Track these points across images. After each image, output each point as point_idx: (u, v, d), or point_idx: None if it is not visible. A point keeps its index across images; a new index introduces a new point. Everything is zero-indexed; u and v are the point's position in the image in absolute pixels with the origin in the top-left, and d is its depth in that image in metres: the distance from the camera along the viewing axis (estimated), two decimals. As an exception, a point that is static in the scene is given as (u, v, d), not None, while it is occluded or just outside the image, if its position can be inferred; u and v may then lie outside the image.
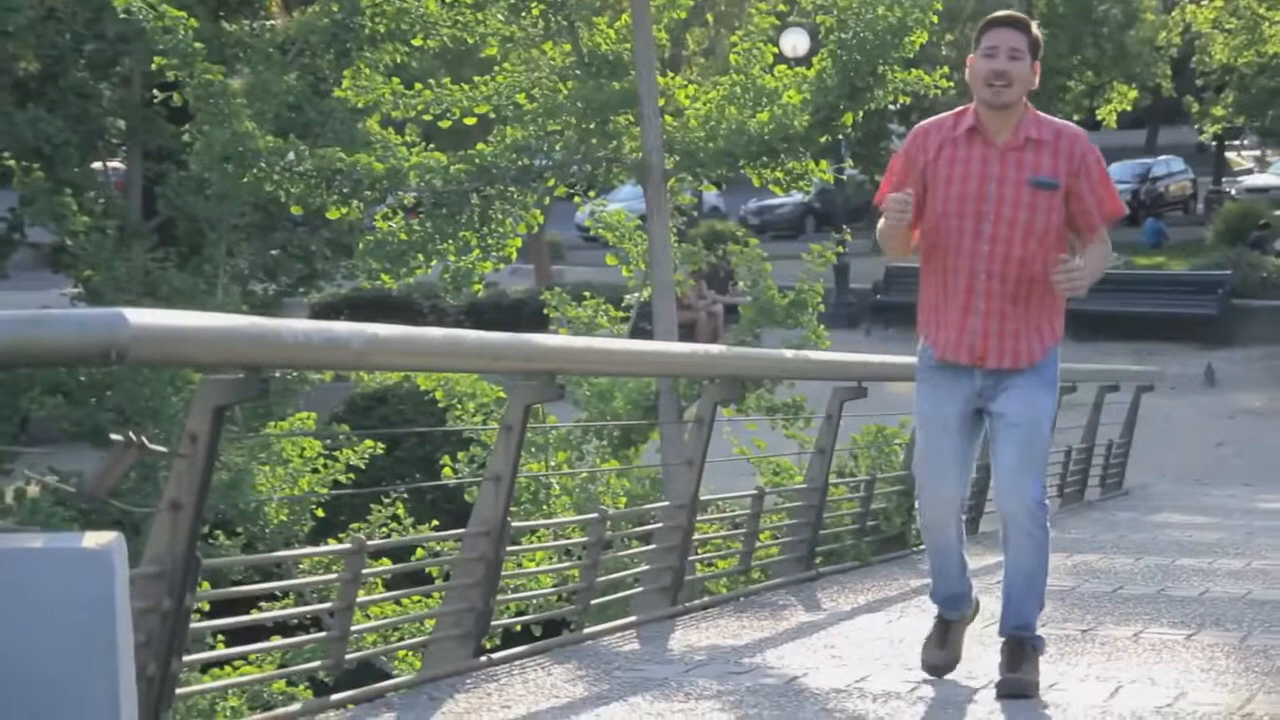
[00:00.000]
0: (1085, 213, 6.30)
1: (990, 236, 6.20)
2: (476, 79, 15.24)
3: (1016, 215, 6.20)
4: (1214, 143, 54.45)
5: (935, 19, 14.56)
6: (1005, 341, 6.27)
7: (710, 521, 10.36)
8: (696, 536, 8.87)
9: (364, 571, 6.17)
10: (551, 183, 14.79)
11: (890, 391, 11.59)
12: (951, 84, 14.50)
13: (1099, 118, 47.20)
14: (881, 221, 6.29)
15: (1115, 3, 43.51)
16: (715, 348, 9.87)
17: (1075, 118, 46.83)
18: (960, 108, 6.39)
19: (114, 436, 4.70)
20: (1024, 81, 6.23)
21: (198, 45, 15.15)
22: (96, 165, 24.10)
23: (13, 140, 21.24)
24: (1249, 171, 60.87)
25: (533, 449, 15.10)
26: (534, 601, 8.61)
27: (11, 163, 20.75)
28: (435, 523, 15.39)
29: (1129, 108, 47.07)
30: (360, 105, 15.68)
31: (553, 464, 15.16)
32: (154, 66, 16.61)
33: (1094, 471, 17.84)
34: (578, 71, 14.94)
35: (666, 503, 9.05)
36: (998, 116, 6.25)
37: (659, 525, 8.69)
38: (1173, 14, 46.43)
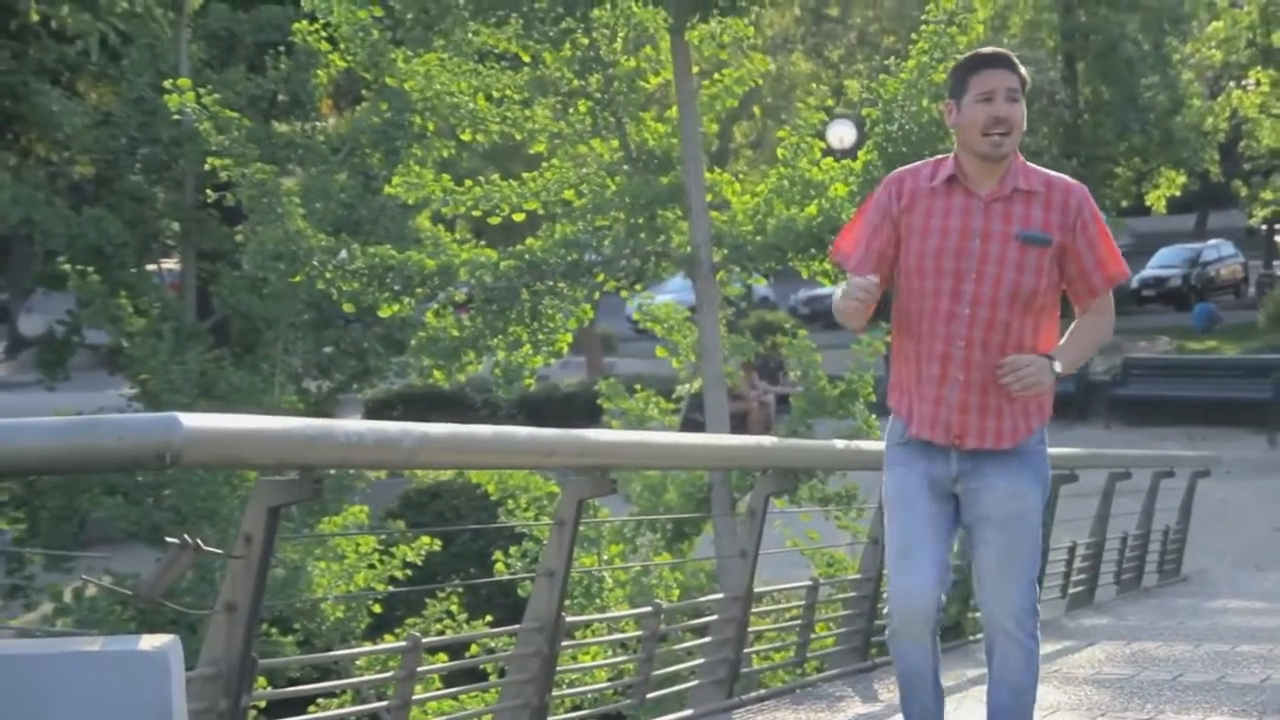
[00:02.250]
0: (1083, 274, 5.52)
1: (971, 298, 5.41)
2: (525, 175, 15.36)
3: (1002, 274, 5.40)
4: (1264, 226, 54.32)
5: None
6: (986, 419, 5.46)
7: (765, 613, 10.32)
8: (751, 629, 8.85)
9: (420, 669, 6.19)
10: (601, 277, 14.87)
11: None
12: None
13: (1148, 203, 47.15)
14: (838, 294, 5.52)
15: (1161, 89, 43.56)
16: (767, 440, 9.88)
17: (1124, 203, 46.91)
18: (938, 156, 5.67)
19: (170, 539, 4.76)
20: (1020, 129, 5.48)
21: (250, 145, 15.37)
22: (150, 267, 24.32)
23: (72, 242, 21.48)
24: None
25: (585, 543, 15.11)
26: (589, 696, 8.59)
27: (67, 266, 20.96)
28: (490, 618, 15.41)
29: (1178, 193, 47.00)
30: (410, 202, 15.81)
31: (606, 557, 15.15)
32: (207, 167, 16.86)
33: (1151, 558, 17.72)
34: (625, 167, 15.05)
35: (721, 595, 9.04)
36: (986, 167, 5.49)
37: (714, 618, 8.68)
38: (1219, 99, 46.43)
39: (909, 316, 5.53)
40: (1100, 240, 5.53)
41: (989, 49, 5.63)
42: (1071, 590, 14.99)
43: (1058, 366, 5.41)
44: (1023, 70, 5.54)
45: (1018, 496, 5.48)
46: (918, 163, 5.70)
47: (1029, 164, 5.57)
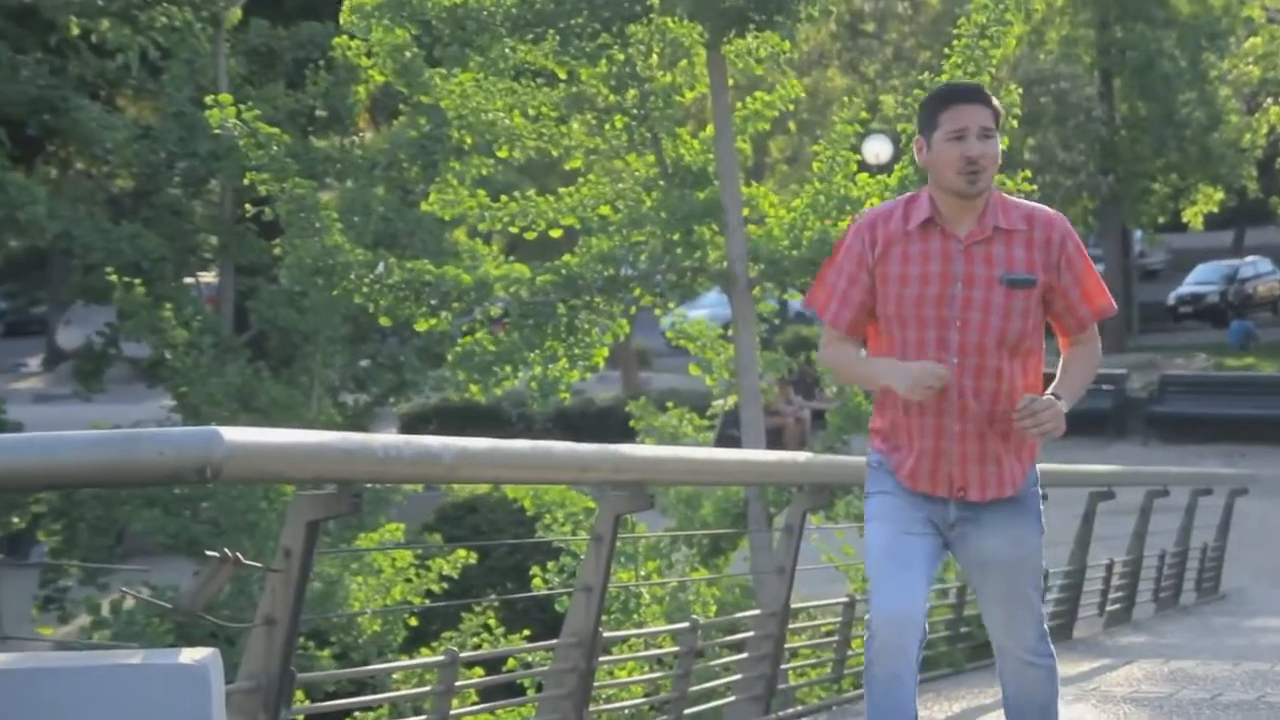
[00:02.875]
0: (1070, 310, 5.35)
1: (959, 347, 5.20)
2: (561, 190, 15.38)
3: (988, 321, 5.20)
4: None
5: (1015, 123, 14.59)
6: (986, 467, 5.27)
7: (802, 630, 10.32)
8: (788, 645, 8.85)
9: (457, 683, 6.20)
10: (637, 292, 14.89)
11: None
12: (1034, 187, 14.52)
13: (1185, 219, 47.01)
14: (828, 350, 5.51)
15: (1199, 105, 43.44)
16: (803, 455, 9.88)
17: (1161, 220, 46.73)
18: (907, 195, 5.41)
19: (210, 552, 4.78)
20: (995, 165, 5.25)
21: (289, 160, 15.43)
22: (188, 280, 24.43)
23: (110, 255, 21.58)
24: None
25: (621, 558, 15.10)
26: (626, 711, 8.60)
27: (114, 277, 21.05)
28: (527, 632, 15.41)
29: (1215, 209, 46.88)
30: (447, 218, 15.85)
31: (642, 573, 15.15)
32: (246, 182, 16.90)
33: (1189, 575, 17.66)
34: (662, 182, 15.06)
35: (758, 611, 9.04)
36: (962, 206, 5.25)
37: (750, 634, 8.68)
38: (1257, 115, 46.29)
39: None
40: (1086, 274, 5.35)
41: (964, 82, 5.57)
42: (1109, 608, 14.94)
43: (1064, 406, 5.22)
44: (996, 104, 5.30)
45: (1019, 543, 5.32)
46: (886, 203, 5.46)
47: (1006, 197, 5.35)
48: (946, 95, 5.32)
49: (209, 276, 25.94)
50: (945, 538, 5.32)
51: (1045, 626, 5.41)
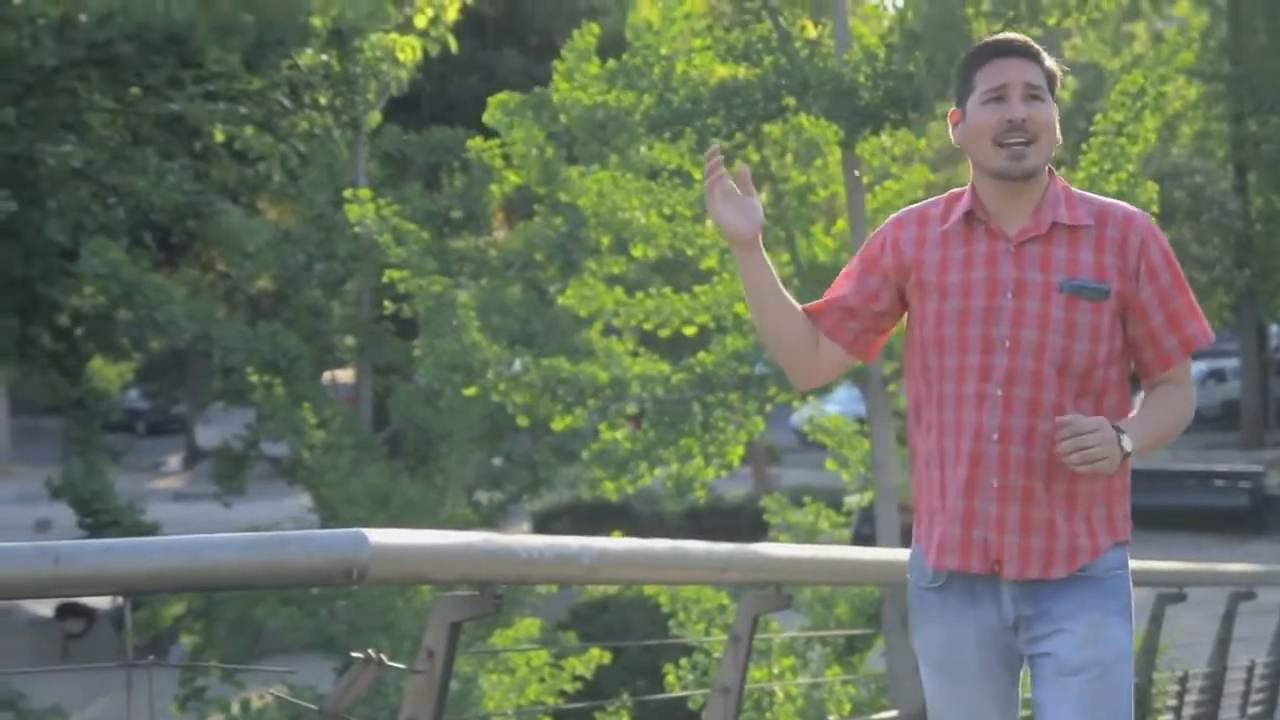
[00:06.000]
0: (1152, 338, 4.11)
1: (1005, 375, 4.02)
2: (696, 289, 15.47)
3: (1045, 340, 4.01)
4: None
5: (1154, 219, 14.47)
6: (1031, 538, 4.04)
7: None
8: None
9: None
10: (772, 390, 14.91)
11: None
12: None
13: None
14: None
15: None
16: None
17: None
18: (953, 190, 4.27)
19: (354, 653, 4.83)
20: (1050, 136, 4.09)
21: (427, 258, 15.66)
22: (325, 378, 24.74)
23: (249, 356, 21.92)
24: None
25: (756, 655, 15.06)
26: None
27: (255, 377, 21.37)
28: (661, 732, 15.38)
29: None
30: (584, 315, 15.99)
31: (776, 671, 15.09)
32: (385, 280, 17.15)
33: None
34: (796, 280, 15.10)
35: (894, 711, 8.98)
36: (1011, 193, 4.09)
37: (888, 736, 8.62)
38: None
39: (927, 403, 4.17)
40: (1175, 291, 4.11)
41: (1005, 35, 4.19)
42: (1250, 710, 14.67)
43: (1127, 443, 3.98)
44: (1050, 62, 4.14)
45: (1097, 638, 4.06)
46: (924, 201, 4.32)
47: (1074, 189, 4.19)
48: (984, 51, 4.15)
49: (346, 375, 26.26)
50: (1015, 650, 4.17)
51: None
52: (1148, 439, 4.05)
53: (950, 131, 4.20)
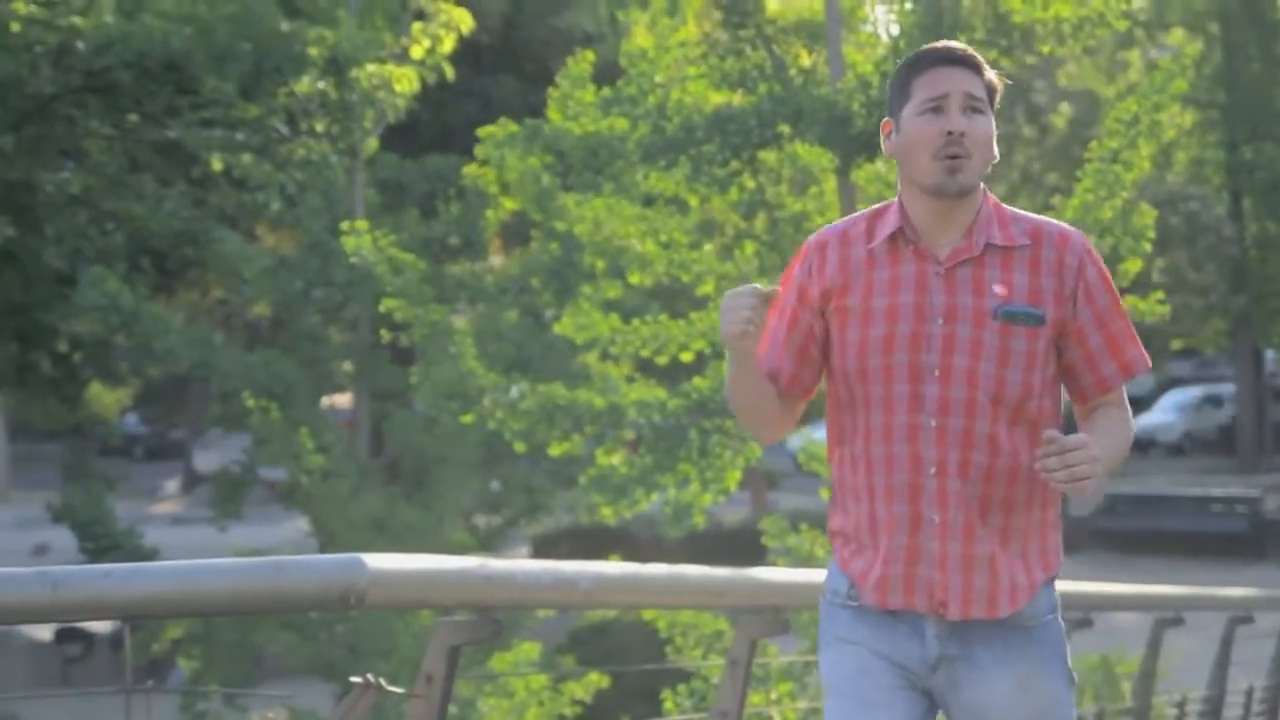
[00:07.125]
0: (1090, 363, 3.90)
1: (938, 405, 3.79)
2: (693, 315, 15.50)
3: (977, 367, 3.78)
4: None
5: (1149, 246, 14.54)
6: (974, 575, 3.82)
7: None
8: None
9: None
10: (769, 415, 14.93)
11: (1115, 619, 11.44)
12: (1168, 308, 14.45)
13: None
14: (727, 372, 3.98)
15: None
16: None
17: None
18: (875, 206, 3.99)
19: (354, 678, 4.86)
20: (988, 151, 3.83)
21: (424, 287, 15.70)
22: (323, 402, 24.80)
23: (248, 382, 21.96)
24: None
25: (754, 680, 15.06)
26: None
27: (251, 402, 21.41)
28: (657, 756, 15.37)
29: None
30: (580, 341, 16.03)
31: (774, 696, 15.09)
32: (381, 309, 17.21)
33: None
34: (791, 307, 15.13)
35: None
36: (943, 211, 3.83)
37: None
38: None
39: (852, 434, 3.92)
40: (1111, 314, 3.90)
41: (945, 44, 3.95)
42: (1249, 733, 14.69)
43: (1101, 464, 3.75)
44: (991, 74, 3.91)
45: (1031, 689, 3.86)
46: (845, 219, 4.03)
47: (1006, 207, 3.95)
48: (922, 56, 3.90)
49: (344, 400, 26.29)
50: (930, 692, 3.92)
51: None
52: (1110, 459, 3.82)
53: (882, 143, 3.94)
